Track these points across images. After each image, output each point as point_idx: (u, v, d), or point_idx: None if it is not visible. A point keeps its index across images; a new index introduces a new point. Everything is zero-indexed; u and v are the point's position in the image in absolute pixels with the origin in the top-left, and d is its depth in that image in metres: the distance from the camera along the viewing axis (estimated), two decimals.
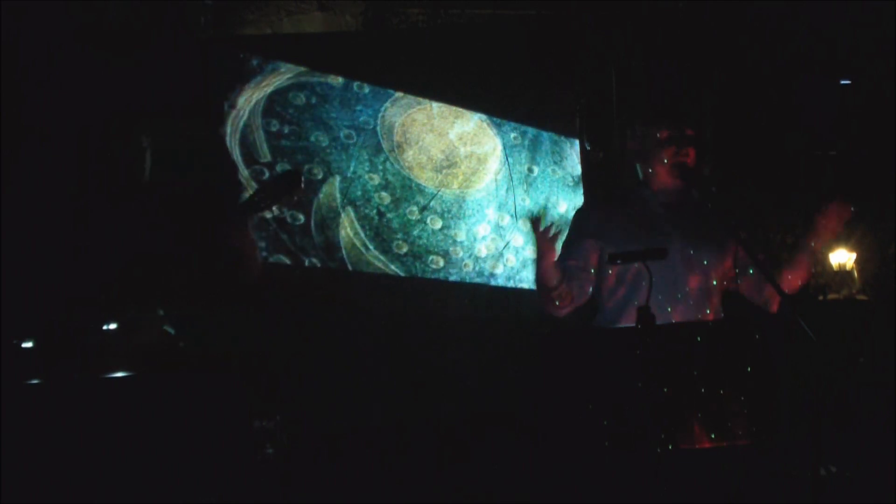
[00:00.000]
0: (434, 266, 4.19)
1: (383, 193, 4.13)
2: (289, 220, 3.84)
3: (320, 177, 3.96)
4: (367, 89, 4.20)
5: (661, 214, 2.80)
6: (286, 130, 3.94)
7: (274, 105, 3.92)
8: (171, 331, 2.67)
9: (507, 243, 4.46)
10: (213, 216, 2.77)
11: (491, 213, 4.45)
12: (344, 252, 3.96)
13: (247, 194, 3.28)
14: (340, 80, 4.14)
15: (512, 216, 4.51)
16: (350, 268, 3.97)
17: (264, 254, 3.67)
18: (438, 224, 4.26)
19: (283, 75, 4.00)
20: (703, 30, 5.30)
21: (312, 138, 4.00)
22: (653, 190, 2.84)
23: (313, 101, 4.04)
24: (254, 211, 2.72)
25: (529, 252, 4.57)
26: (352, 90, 4.16)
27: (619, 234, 2.80)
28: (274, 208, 2.81)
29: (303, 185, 2.83)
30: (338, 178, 4.01)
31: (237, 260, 2.73)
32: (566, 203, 4.62)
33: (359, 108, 4.17)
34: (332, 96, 4.11)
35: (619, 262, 2.52)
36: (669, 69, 5.14)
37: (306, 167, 3.91)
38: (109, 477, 2.23)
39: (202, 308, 2.72)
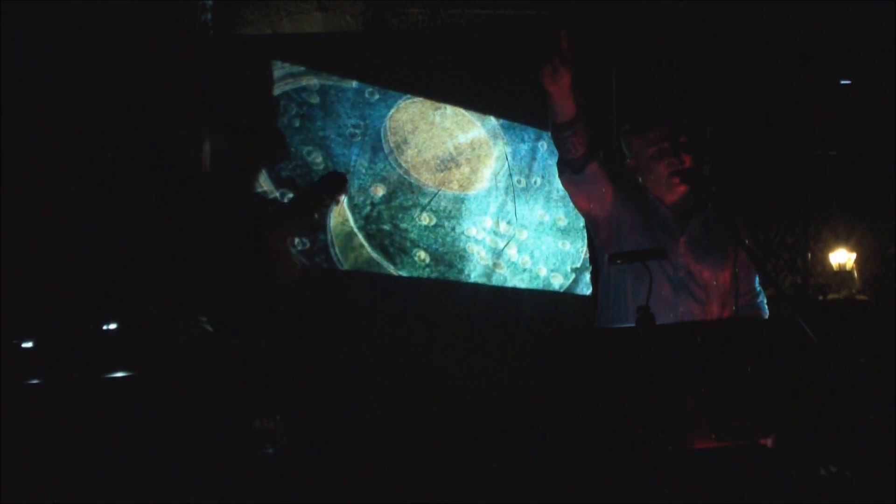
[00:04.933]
0: (420, 262, 4.19)
1: (379, 187, 4.13)
2: (279, 197, 3.82)
3: (320, 168, 3.96)
4: (377, 96, 4.20)
5: (670, 219, 2.80)
6: (297, 125, 3.93)
7: (287, 100, 3.91)
8: (209, 327, 2.68)
9: (503, 249, 4.47)
10: (221, 217, 2.78)
11: (489, 214, 4.44)
12: (331, 235, 3.95)
13: (287, 197, 3.27)
14: (350, 84, 4.14)
15: (509, 221, 4.51)
16: (346, 262, 3.97)
17: None
18: (432, 221, 4.26)
19: (300, 77, 4.00)
20: (703, 30, 5.31)
21: (319, 134, 3.99)
22: (658, 197, 2.84)
23: (325, 100, 4.03)
24: (296, 214, 2.72)
25: (522, 261, 4.56)
26: (363, 95, 4.16)
27: (627, 224, 2.79)
28: (349, 213, 2.82)
29: (348, 189, 2.81)
30: (337, 167, 4.01)
31: (272, 263, 2.75)
32: (564, 209, 4.63)
33: (366, 109, 4.16)
34: (344, 98, 4.10)
35: (618, 262, 2.52)
36: (669, 69, 5.14)
37: (310, 159, 3.91)
38: (109, 477, 2.23)
39: (237, 311, 2.72)
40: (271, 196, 3.67)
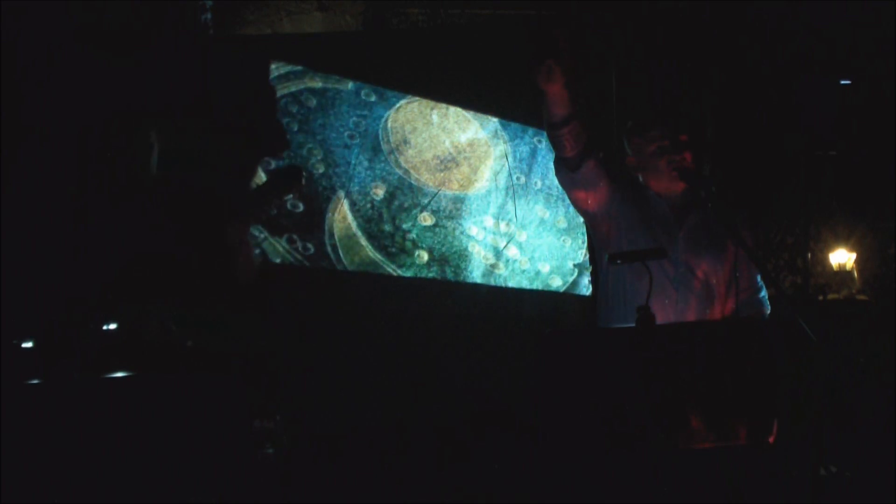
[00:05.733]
0: (421, 262, 4.19)
1: (380, 188, 4.14)
2: (289, 206, 3.84)
3: (321, 171, 3.96)
4: (374, 97, 4.20)
5: (669, 216, 2.80)
6: (295, 128, 3.93)
7: (285, 104, 3.92)
8: (174, 327, 2.67)
9: (504, 248, 4.46)
10: (217, 215, 2.78)
11: (489, 214, 4.45)
12: (336, 239, 3.96)
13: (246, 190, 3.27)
14: (350, 85, 4.14)
15: (509, 221, 4.51)
16: (347, 262, 3.97)
17: (264, 235, 3.67)
18: (433, 221, 4.26)
19: (296, 80, 4.00)
20: (703, 30, 5.31)
21: (318, 136, 3.99)
22: (657, 194, 2.85)
23: (322, 103, 4.03)
24: (255, 207, 2.72)
25: (522, 261, 4.56)
26: (359, 96, 4.16)
27: (625, 222, 2.79)
28: (274, 205, 2.82)
29: (303, 181, 2.83)
30: (338, 172, 4.01)
31: (232, 258, 2.75)
32: (564, 208, 4.63)
33: (364, 110, 4.16)
34: (340, 100, 4.10)
35: (618, 261, 2.52)
36: (669, 69, 5.15)
37: (311, 160, 3.91)
38: (109, 477, 2.23)
39: (202, 307, 2.72)
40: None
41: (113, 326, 2.59)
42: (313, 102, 4.02)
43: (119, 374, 2.45)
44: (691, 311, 2.72)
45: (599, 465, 2.12)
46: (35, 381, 2.36)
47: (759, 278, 2.86)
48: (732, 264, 2.73)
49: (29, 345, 2.55)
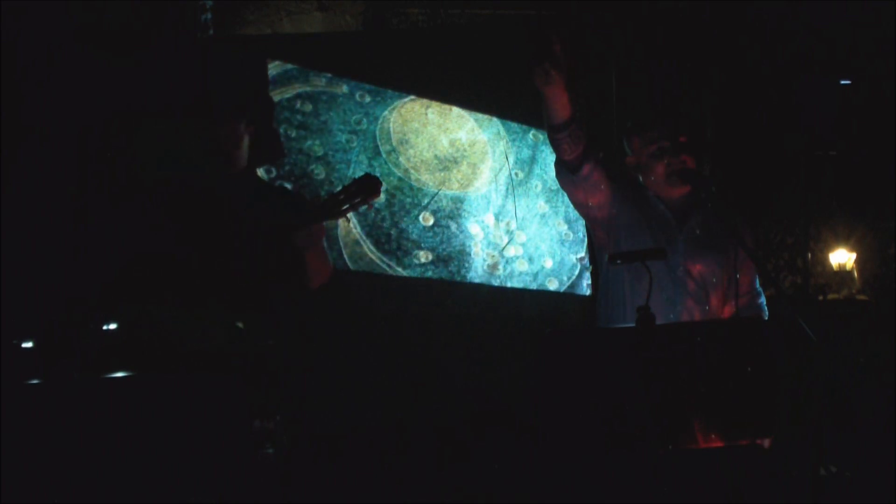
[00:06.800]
0: (422, 262, 4.18)
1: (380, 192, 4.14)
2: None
3: (322, 177, 3.97)
4: (368, 98, 4.20)
5: (669, 217, 2.80)
6: (293, 135, 3.93)
7: (280, 111, 3.92)
8: (240, 326, 2.68)
9: (504, 248, 4.46)
10: (221, 217, 2.78)
11: (490, 213, 4.44)
12: (341, 245, 3.97)
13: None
14: (345, 87, 4.14)
15: (510, 220, 4.51)
16: (348, 262, 3.97)
17: None
18: (433, 221, 4.26)
19: (290, 86, 4.00)
20: (703, 30, 5.31)
21: (316, 141, 4.00)
22: (657, 195, 2.84)
23: (318, 107, 4.03)
24: (329, 215, 2.71)
25: (520, 265, 4.56)
26: (354, 98, 4.16)
27: (625, 223, 2.79)
28: (350, 214, 2.81)
29: (381, 192, 2.82)
30: (338, 174, 4.01)
31: (304, 264, 2.76)
32: (565, 207, 4.63)
33: (360, 112, 4.16)
34: (336, 103, 4.10)
35: (618, 262, 2.52)
36: (669, 69, 5.15)
37: (310, 163, 3.92)
38: (109, 477, 2.23)
39: (202, 307, 2.72)
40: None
41: (113, 326, 2.59)
42: (312, 104, 4.02)
43: (119, 374, 2.44)
44: (690, 313, 2.72)
45: (599, 465, 2.12)
46: (35, 381, 2.36)
47: (758, 284, 2.86)
48: (732, 267, 2.73)
49: (29, 345, 2.55)
